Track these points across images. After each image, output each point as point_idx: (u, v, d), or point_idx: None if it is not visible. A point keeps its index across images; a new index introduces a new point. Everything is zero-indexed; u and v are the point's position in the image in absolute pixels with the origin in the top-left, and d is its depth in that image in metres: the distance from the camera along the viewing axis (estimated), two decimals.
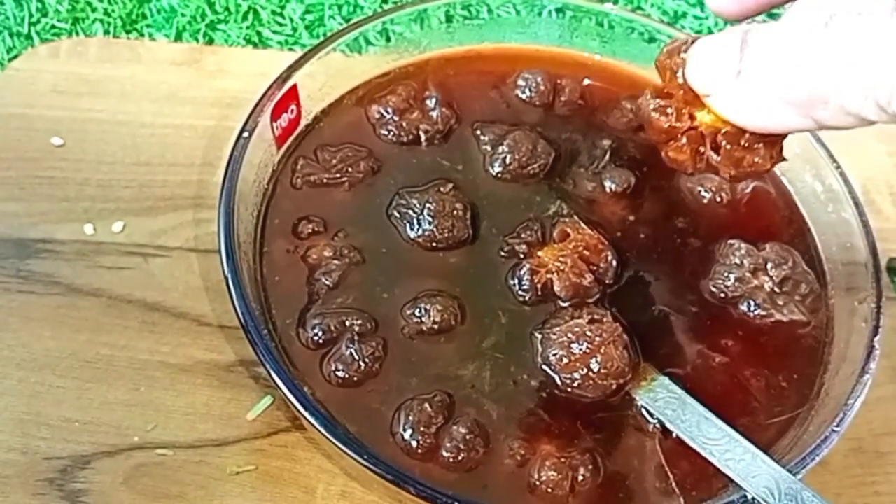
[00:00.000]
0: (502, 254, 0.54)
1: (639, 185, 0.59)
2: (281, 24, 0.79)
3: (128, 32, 0.76)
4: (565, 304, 0.52)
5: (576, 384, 0.49)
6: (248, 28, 0.78)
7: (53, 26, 0.76)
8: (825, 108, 0.37)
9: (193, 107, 0.69)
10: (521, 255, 0.54)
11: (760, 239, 0.57)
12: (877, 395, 0.50)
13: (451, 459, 0.47)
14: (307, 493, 0.53)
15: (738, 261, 0.55)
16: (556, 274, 0.52)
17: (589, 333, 0.49)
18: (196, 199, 0.64)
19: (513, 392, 0.50)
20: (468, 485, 0.47)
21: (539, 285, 0.52)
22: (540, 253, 0.54)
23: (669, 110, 0.44)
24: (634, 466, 0.48)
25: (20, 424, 0.53)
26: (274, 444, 0.54)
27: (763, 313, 0.54)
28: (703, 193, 0.59)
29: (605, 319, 0.50)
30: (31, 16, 0.76)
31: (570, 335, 0.50)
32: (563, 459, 0.47)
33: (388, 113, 0.60)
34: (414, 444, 0.47)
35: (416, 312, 0.51)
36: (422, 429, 0.47)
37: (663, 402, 0.49)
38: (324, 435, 0.45)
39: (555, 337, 0.50)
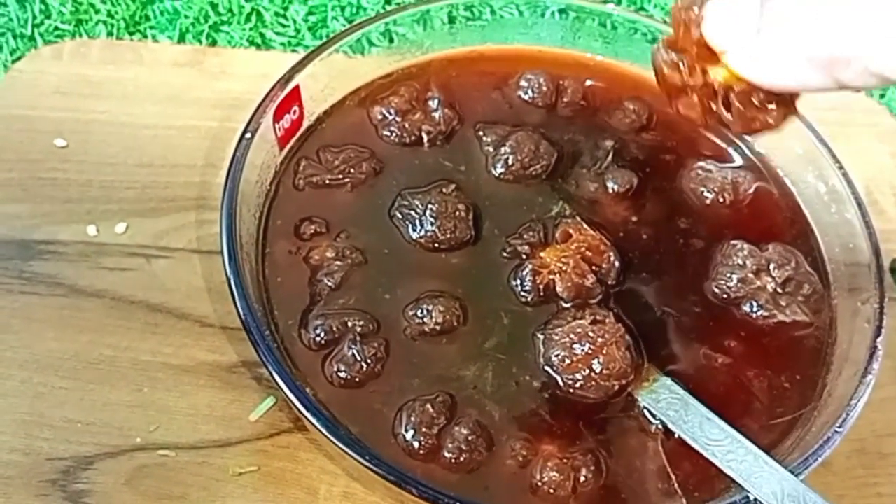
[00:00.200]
0: (504, 255, 0.54)
1: (641, 185, 0.59)
2: (284, 26, 0.79)
3: (131, 34, 0.76)
4: (567, 305, 0.52)
5: (578, 385, 0.49)
6: (251, 29, 0.78)
7: (57, 28, 0.76)
8: (847, 67, 0.36)
9: (196, 108, 0.69)
10: (524, 256, 0.54)
11: (763, 240, 0.56)
12: (880, 396, 0.50)
13: (452, 460, 0.47)
14: (309, 494, 0.53)
15: (740, 261, 0.55)
16: (558, 275, 0.52)
17: (591, 334, 0.49)
18: (199, 200, 0.64)
19: (515, 393, 0.50)
20: (470, 485, 0.47)
21: (541, 286, 0.52)
22: (542, 254, 0.54)
23: (682, 66, 0.43)
24: (636, 467, 0.48)
25: (23, 425, 0.54)
26: (276, 444, 0.54)
27: (766, 314, 0.54)
28: (706, 194, 0.59)
29: (607, 320, 0.50)
30: (34, 17, 0.77)
31: (572, 336, 0.50)
32: (565, 460, 0.47)
33: (390, 114, 0.60)
34: (416, 444, 0.47)
35: (419, 313, 0.51)
36: (424, 430, 0.47)
37: (665, 402, 0.49)
38: (326, 436, 0.45)
39: (557, 338, 0.50)
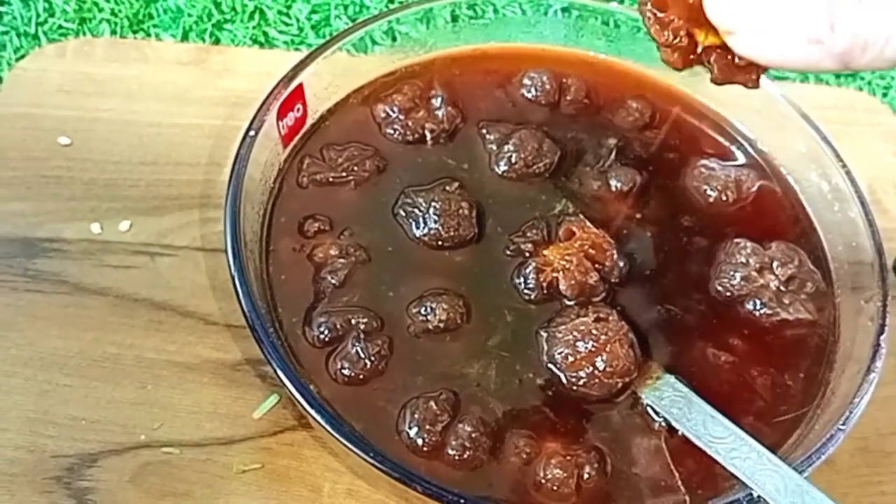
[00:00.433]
0: (508, 252, 0.54)
1: (644, 183, 0.59)
2: (287, 24, 0.79)
3: (134, 32, 0.76)
4: (571, 303, 0.52)
5: (581, 382, 0.49)
6: (254, 28, 0.78)
7: (60, 26, 0.76)
8: (863, 53, 0.35)
9: (200, 106, 0.70)
10: (527, 254, 0.54)
11: (766, 238, 0.56)
12: (883, 394, 0.50)
13: (456, 457, 0.47)
14: (313, 492, 0.53)
15: (743, 259, 0.55)
16: (561, 272, 0.52)
17: (594, 332, 0.49)
18: (202, 198, 0.64)
19: (518, 390, 0.50)
20: (474, 483, 0.47)
21: (545, 284, 0.52)
22: (545, 252, 0.54)
23: (667, 32, 0.43)
24: (640, 465, 0.48)
25: (28, 423, 0.54)
26: (280, 442, 0.54)
27: (769, 312, 0.54)
28: (709, 192, 0.59)
29: (610, 318, 0.50)
30: (38, 16, 0.77)
31: (575, 333, 0.50)
32: (568, 457, 0.47)
33: (393, 112, 0.60)
34: (420, 442, 0.47)
35: (422, 311, 0.51)
36: (427, 427, 0.47)
37: (669, 400, 0.49)
38: (330, 433, 0.45)
39: (560, 335, 0.50)
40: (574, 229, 0.54)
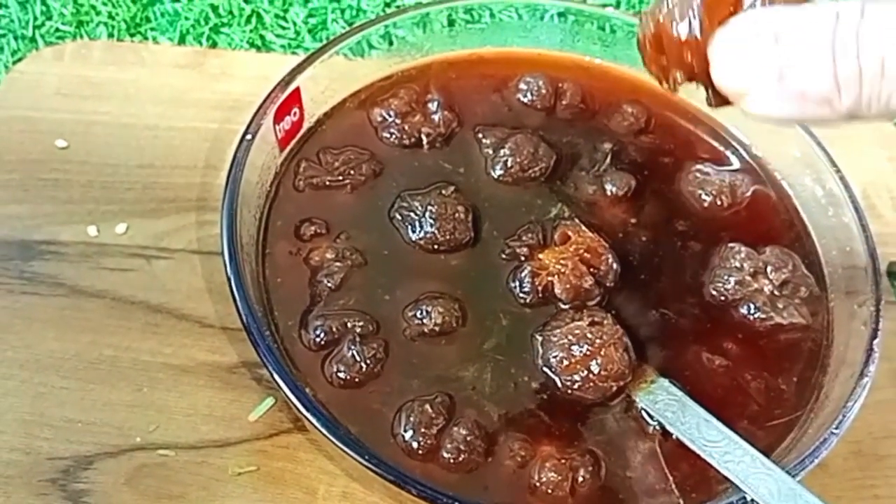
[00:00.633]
0: (503, 256, 0.55)
1: (639, 188, 0.59)
2: (284, 28, 0.79)
3: (132, 35, 0.76)
4: (566, 307, 0.52)
5: (576, 386, 0.49)
6: (251, 31, 0.78)
7: (58, 29, 0.76)
8: (869, 110, 0.35)
9: (197, 109, 0.70)
10: (522, 258, 0.54)
11: (760, 242, 0.57)
12: (877, 398, 0.50)
13: (451, 460, 0.47)
14: (308, 494, 0.53)
15: (738, 264, 0.55)
16: (556, 276, 0.53)
17: (589, 335, 0.50)
18: (199, 201, 0.64)
19: (513, 393, 0.50)
20: (469, 486, 0.47)
21: (540, 287, 0.53)
22: (541, 255, 0.54)
23: (666, 81, 0.44)
24: (634, 468, 0.49)
25: (23, 425, 0.54)
26: (275, 445, 0.54)
27: (763, 316, 0.54)
28: (704, 197, 0.59)
29: (605, 322, 0.51)
30: (35, 19, 0.77)
31: (570, 337, 0.50)
32: (563, 461, 0.48)
33: (390, 116, 0.60)
34: (415, 445, 0.47)
35: (418, 314, 0.51)
36: (423, 430, 0.47)
37: (663, 404, 0.49)
38: (325, 436, 0.45)
39: (555, 339, 0.50)
40: (569, 233, 0.55)
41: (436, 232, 0.54)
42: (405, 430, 0.48)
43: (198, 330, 0.59)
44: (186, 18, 0.78)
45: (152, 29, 0.77)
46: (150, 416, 0.55)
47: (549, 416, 0.49)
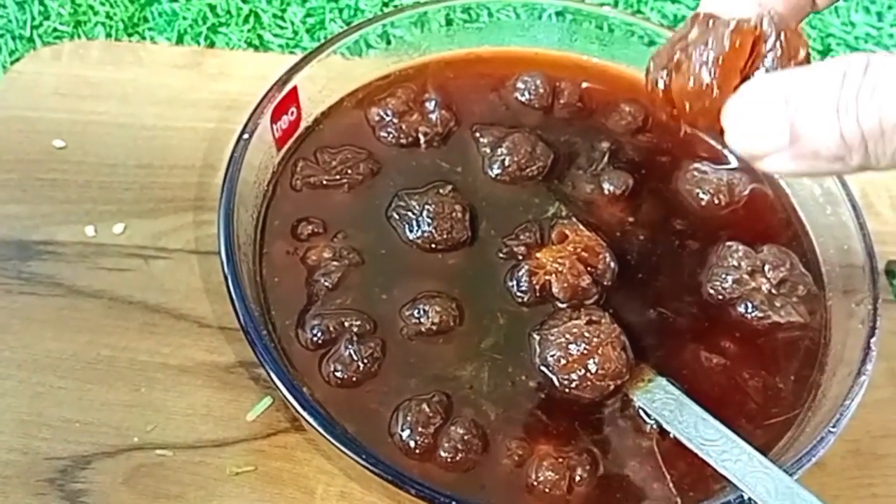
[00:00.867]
0: (501, 255, 0.54)
1: (637, 187, 0.59)
2: (282, 28, 0.79)
3: (129, 35, 0.76)
4: (563, 306, 0.52)
5: (573, 385, 0.49)
6: (249, 31, 0.78)
7: (55, 29, 0.76)
8: (879, 163, 0.36)
9: (194, 109, 0.70)
10: (520, 257, 0.54)
11: (758, 241, 0.57)
12: (875, 397, 0.50)
13: (449, 460, 0.47)
14: (306, 494, 0.53)
15: (735, 262, 0.55)
16: (554, 275, 0.53)
17: (587, 334, 0.50)
18: (196, 201, 0.64)
19: (511, 393, 0.50)
20: (466, 485, 0.47)
21: (537, 286, 0.53)
22: (538, 254, 0.54)
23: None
24: (632, 467, 0.49)
25: (21, 425, 0.54)
26: (273, 444, 0.55)
27: (760, 315, 0.54)
28: (702, 196, 0.59)
29: (602, 321, 0.51)
30: (33, 19, 0.77)
31: (567, 336, 0.50)
32: (560, 460, 0.48)
33: (387, 115, 0.60)
34: (412, 444, 0.47)
35: (415, 313, 0.51)
36: (420, 429, 0.47)
37: (661, 402, 0.49)
38: (323, 435, 0.45)
39: (553, 338, 0.50)
40: (567, 232, 0.54)
41: (433, 231, 0.54)
42: (402, 430, 0.48)
43: (196, 330, 0.59)
44: (184, 18, 0.78)
45: (150, 29, 0.77)
46: (148, 415, 0.55)
47: (546, 415, 0.49)
